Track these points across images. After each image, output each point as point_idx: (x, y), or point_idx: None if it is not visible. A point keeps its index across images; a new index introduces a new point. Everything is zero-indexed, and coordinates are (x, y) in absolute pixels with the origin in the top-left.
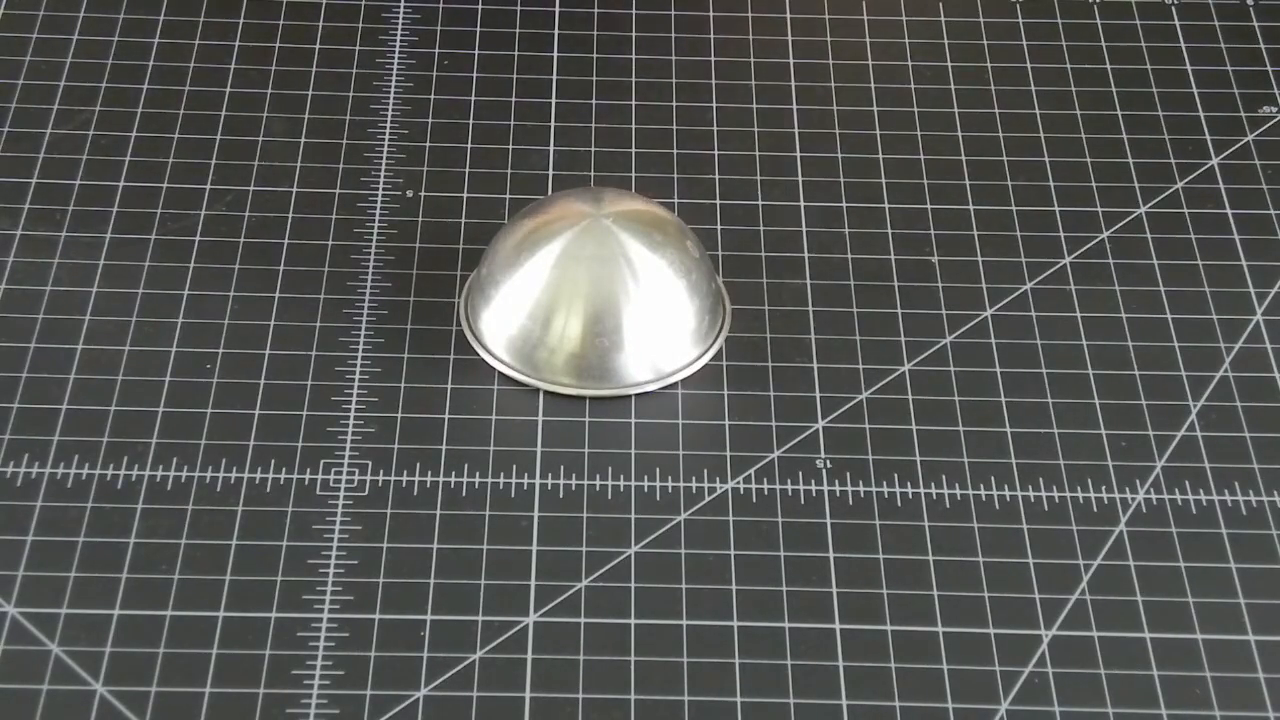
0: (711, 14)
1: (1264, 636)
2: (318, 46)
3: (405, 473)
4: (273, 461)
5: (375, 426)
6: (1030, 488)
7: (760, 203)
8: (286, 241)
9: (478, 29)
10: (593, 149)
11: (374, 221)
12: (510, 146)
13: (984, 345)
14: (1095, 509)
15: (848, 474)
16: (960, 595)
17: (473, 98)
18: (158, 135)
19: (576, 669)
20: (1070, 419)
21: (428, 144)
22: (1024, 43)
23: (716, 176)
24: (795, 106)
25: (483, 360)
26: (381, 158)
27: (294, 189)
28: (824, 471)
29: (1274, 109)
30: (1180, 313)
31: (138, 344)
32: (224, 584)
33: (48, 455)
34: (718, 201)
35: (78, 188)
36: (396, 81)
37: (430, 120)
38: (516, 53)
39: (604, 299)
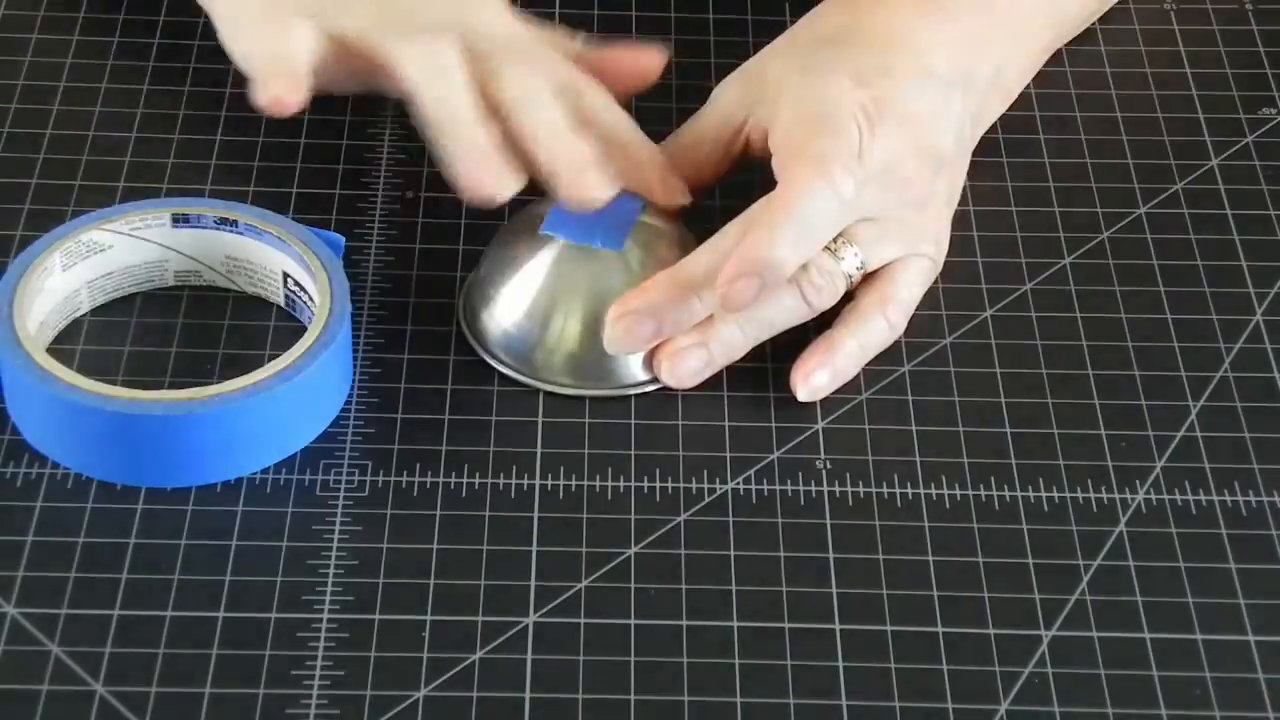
0: (711, 15)
1: (1264, 636)
2: None
3: (405, 473)
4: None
5: (375, 427)
6: (1030, 488)
7: None
8: None
9: None
10: None
11: (374, 221)
12: None
13: (984, 345)
14: (1095, 509)
15: (848, 474)
16: (960, 595)
17: None
18: (157, 135)
19: (576, 669)
20: (1070, 419)
21: (428, 144)
22: None
23: None
24: None
25: (482, 361)
26: (381, 158)
27: (294, 189)
28: (824, 472)
29: (1273, 110)
30: (1180, 313)
31: (138, 344)
32: (224, 584)
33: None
34: (717, 202)
35: (78, 188)
36: None
37: None
38: None
39: (602, 299)
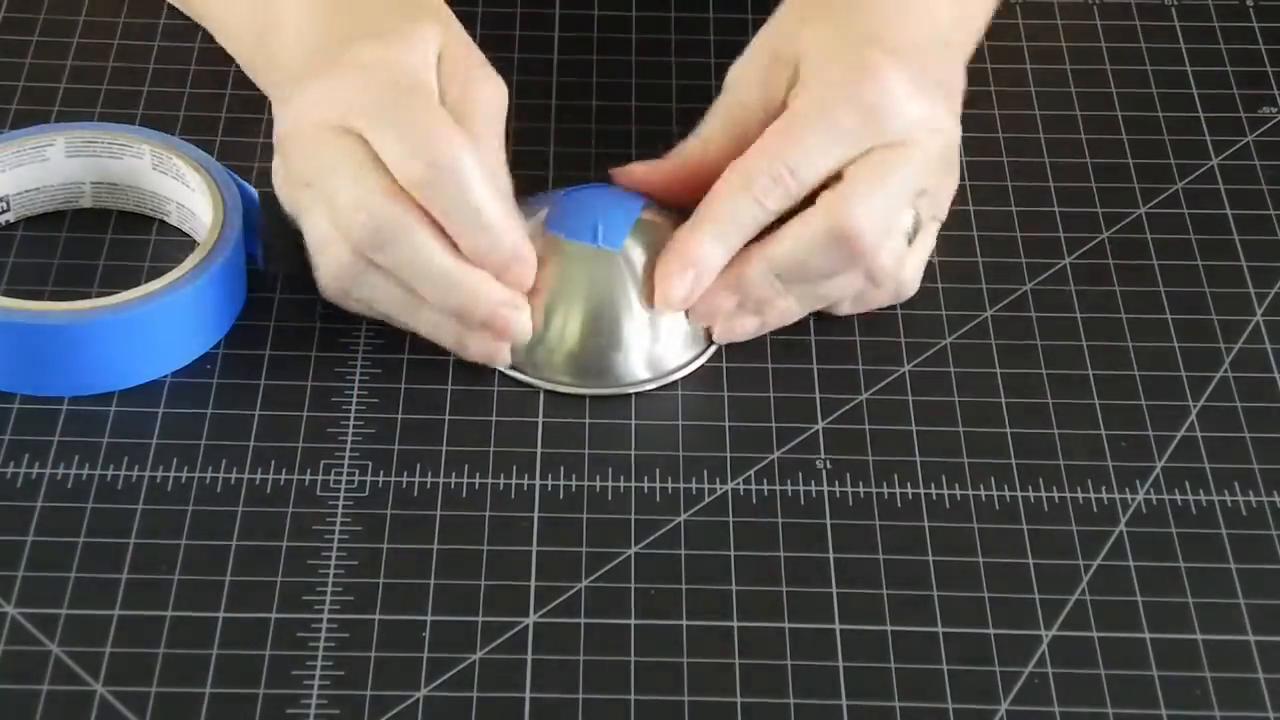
0: (711, 15)
1: (1264, 636)
2: None
3: (405, 474)
4: (273, 462)
5: (375, 427)
6: (1030, 488)
7: None
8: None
9: (478, 30)
10: (593, 149)
11: None
12: (510, 146)
13: (984, 345)
14: (1095, 509)
15: (848, 474)
16: (960, 595)
17: None
18: None
19: (576, 669)
20: (1070, 419)
21: None
22: (1024, 43)
23: None
24: None
25: None
26: None
27: None
28: (824, 472)
29: (1274, 109)
30: (1180, 313)
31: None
32: (224, 584)
33: (48, 455)
34: None
35: None
36: None
37: None
38: (516, 54)
39: (602, 298)
